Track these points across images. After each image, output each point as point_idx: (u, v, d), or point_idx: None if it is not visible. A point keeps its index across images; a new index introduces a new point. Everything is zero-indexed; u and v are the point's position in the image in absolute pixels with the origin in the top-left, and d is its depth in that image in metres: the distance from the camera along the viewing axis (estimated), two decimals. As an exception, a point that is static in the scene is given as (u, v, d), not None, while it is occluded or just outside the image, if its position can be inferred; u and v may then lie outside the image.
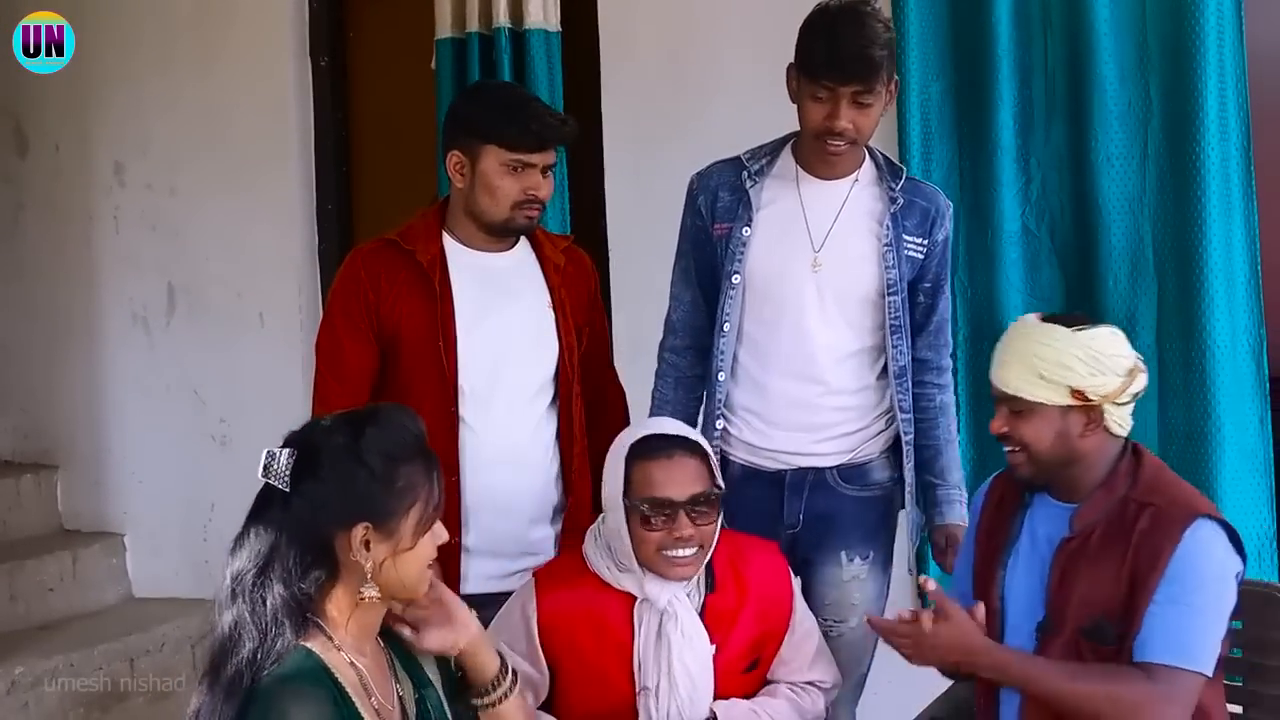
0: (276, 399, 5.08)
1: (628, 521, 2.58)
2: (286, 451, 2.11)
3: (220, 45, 5.14)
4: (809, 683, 2.79)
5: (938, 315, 3.07)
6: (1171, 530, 2.34)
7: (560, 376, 3.10)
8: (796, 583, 2.84)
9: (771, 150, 3.04)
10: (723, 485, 2.66)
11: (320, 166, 5.15)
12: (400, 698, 2.18)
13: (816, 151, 2.94)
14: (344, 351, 3.01)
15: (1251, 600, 2.71)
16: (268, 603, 2.03)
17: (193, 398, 5.31)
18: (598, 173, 4.44)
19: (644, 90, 4.29)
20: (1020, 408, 2.44)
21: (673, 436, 2.66)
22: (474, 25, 4.49)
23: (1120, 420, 2.44)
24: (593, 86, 4.46)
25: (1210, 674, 2.35)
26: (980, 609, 2.46)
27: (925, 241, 2.99)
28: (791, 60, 2.91)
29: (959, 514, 3.07)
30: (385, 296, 2.99)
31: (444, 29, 4.55)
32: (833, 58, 2.79)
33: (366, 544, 2.09)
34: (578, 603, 2.65)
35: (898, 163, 3.05)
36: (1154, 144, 3.59)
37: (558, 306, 3.10)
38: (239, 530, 2.12)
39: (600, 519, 2.73)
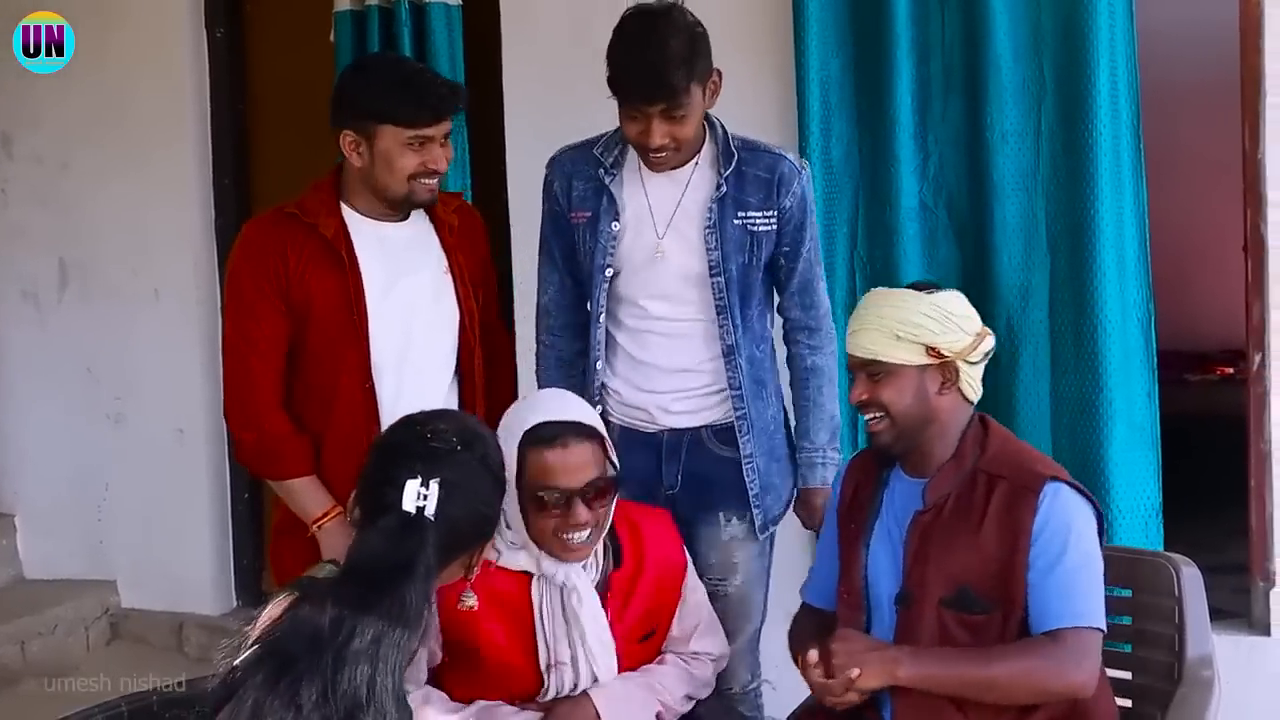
0: (172, 376, 5.02)
1: (521, 504, 2.54)
2: (434, 482, 2.04)
3: (114, 16, 5.03)
4: (695, 653, 2.81)
5: (798, 277, 3.08)
6: (1027, 501, 2.41)
7: (462, 343, 3.11)
8: (689, 559, 2.83)
9: (620, 141, 3.04)
10: (617, 466, 2.61)
11: (217, 140, 5.08)
12: None
13: (647, 163, 2.98)
14: (259, 325, 2.96)
15: (1138, 568, 2.77)
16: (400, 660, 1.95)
17: (86, 375, 5.23)
18: (499, 146, 4.42)
19: (545, 64, 4.28)
20: (878, 370, 2.50)
21: (566, 423, 2.57)
22: (373, -3, 4.45)
23: (973, 381, 2.54)
24: (494, 60, 4.44)
25: (1104, 626, 2.41)
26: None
27: (774, 212, 3.01)
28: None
29: (819, 477, 3.09)
30: (294, 269, 2.95)
31: (343, 1, 4.50)
32: (630, 84, 2.82)
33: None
34: (475, 585, 2.57)
35: (733, 146, 3.01)
36: (1047, 122, 3.65)
37: (455, 271, 3.10)
38: (375, 585, 1.96)
39: None
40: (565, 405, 2.65)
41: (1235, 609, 3.76)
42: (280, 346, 2.98)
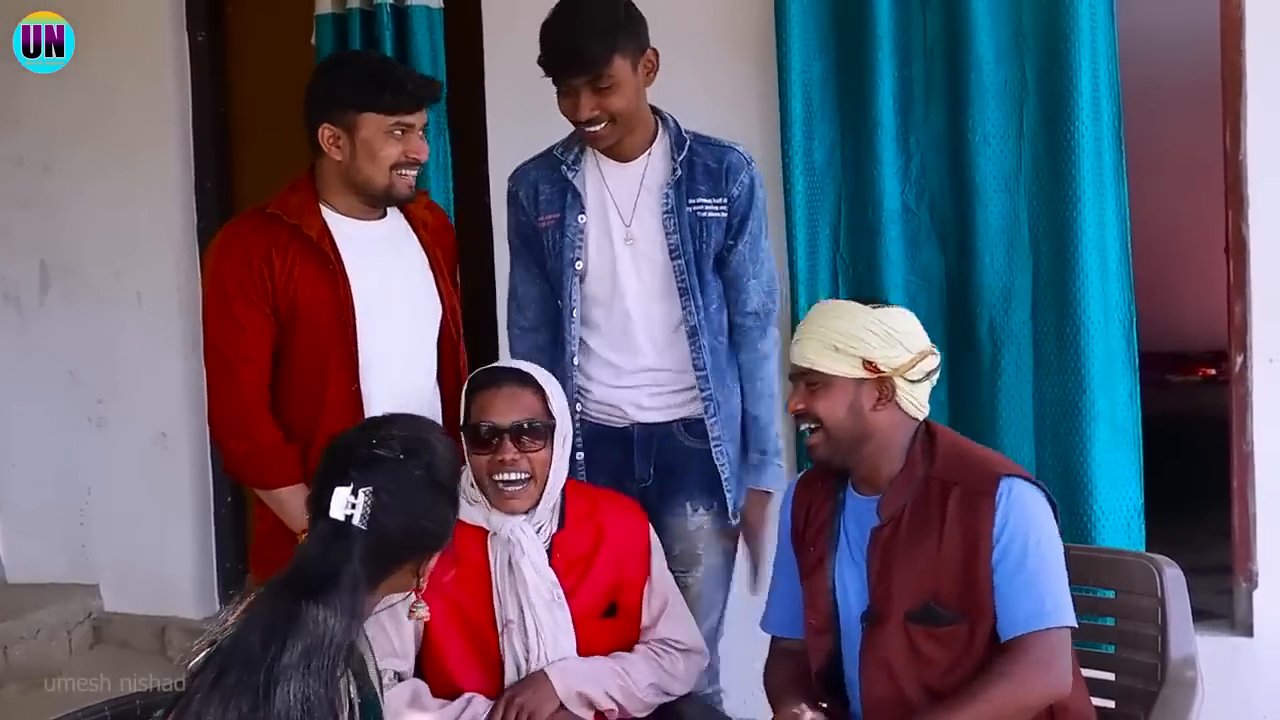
0: (154, 379, 5.01)
1: (466, 449, 2.68)
2: (365, 491, 2.01)
3: (95, 18, 5.01)
4: (663, 640, 2.82)
5: (730, 269, 3.08)
6: (982, 503, 2.40)
7: (444, 339, 3.12)
8: (657, 543, 2.87)
9: (578, 139, 3.08)
10: (555, 417, 2.72)
11: (199, 143, 5.08)
12: None
13: (585, 139, 3.02)
14: (246, 333, 2.93)
15: (1121, 569, 2.77)
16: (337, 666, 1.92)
17: (68, 378, 5.22)
18: (481, 149, 4.41)
19: (527, 67, 4.15)
20: (815, 380, 2.48)
21: (506, 369, 2.77)
22: (355, 1, 4.44)
23: (914, 400, 2.49)
24: (476, 63, 4.43)
25: (1073, 622, 2.40)
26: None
27: (723, 200, 3.03)
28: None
29: (755, 480, 3.14)
30: (280, 272, 2.92)
31: (325, 4, 4.50)
32: (550, 58, 2.92)
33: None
34: None
35: (685, 135, 3.06)
36: (1029, 123, 3.65)
37: (435, 267, 3.12)
38: (296, 598, 1.92)
39: None
40: (517, 363, 2.85)
41: (1218, 610, 3.76)
42: (267, 353, 2.95)
